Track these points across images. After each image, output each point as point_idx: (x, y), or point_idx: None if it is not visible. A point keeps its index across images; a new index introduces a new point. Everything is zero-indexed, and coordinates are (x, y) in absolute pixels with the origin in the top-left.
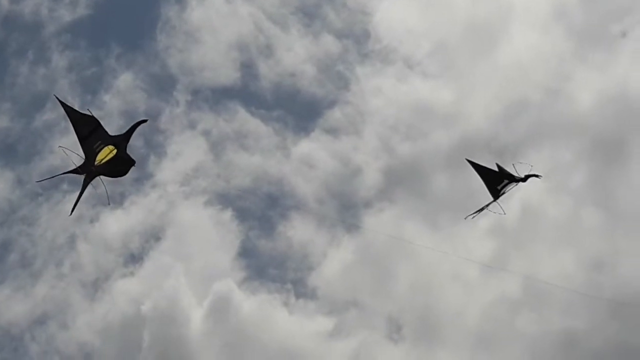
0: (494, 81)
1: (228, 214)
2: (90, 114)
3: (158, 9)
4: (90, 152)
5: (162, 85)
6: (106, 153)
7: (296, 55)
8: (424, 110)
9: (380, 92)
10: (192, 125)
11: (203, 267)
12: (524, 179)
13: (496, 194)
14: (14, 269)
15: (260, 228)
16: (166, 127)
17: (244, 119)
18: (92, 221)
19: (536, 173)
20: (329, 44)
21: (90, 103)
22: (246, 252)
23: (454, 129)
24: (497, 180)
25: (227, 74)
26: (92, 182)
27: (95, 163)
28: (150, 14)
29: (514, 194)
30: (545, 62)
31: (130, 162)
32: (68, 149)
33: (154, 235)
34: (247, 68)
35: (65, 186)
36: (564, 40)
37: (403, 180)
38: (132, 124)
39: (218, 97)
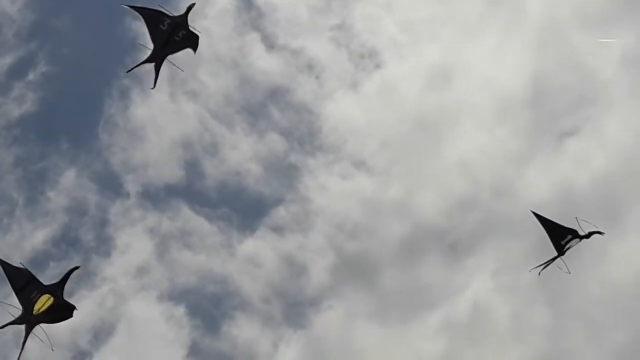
0: (441, 179)
1: (181, 311)
2: (23, 267)
3: (101, 106)
4: (27, 303)
5: (105, 182)
6: (43, 302)
7: (241, 153)
8: (370, 207)
9: (326, 190)
10: (136, 223)
11: None
12: (588, 236)
13: (560, 249)
14: None
15: (205, 327)
16: (114, 220)
17: (188, 217)
18: None
19: (599, 230)
20: (274, 142)
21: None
22: (195, 351)
23: (401, 227)
24: (561, 235)
25: (171, 172)
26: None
27: (34, 312)
28: (93, 111)
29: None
30: (491, 161)
31: (71, 307)
32: (4, 302)
33: (104, 331)
34: (192, 166)
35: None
36: (510, 140)
37: (351, 277)
38: (65, 272)
39: (162, 195)
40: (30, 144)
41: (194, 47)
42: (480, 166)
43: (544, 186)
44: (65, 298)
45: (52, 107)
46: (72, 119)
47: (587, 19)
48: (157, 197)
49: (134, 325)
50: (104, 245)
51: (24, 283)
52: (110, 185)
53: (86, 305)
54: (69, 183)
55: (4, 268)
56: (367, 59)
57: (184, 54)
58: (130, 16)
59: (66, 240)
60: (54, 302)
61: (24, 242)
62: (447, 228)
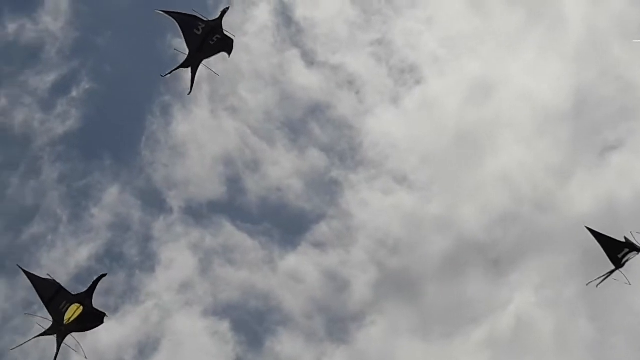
0: (482, 193)
1: (225, 326)
2: (50, 278)
3: (143, 123)
4: (57, 313)
5: (148, 198)
6: (73, 311)
7: (282, 169)
8: (411, 222)
9: (368, 205)
10: (179, 239)
11: None
12: None
13: (618, 262)
14: None
15: (248, 343)
16: (158, 236)
17: (231, 233)
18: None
19: None
20: (315, 158)
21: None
22: None
23: (443, 241)
24: (617, 249)
25: (213, 188)
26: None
27: (64, 322)
28: (135, 128)
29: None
30: (532, 175)
31: (101, 315)
32: (34, 315)
33: (149, 346)
34: (233, 182)
35: None
36: (551, 154)
37: (393, 293)
38: (93, 280)
39: (204, 211)
40: (74, 160)
41: (229, 51)
42: (522, 180)
43: (587, 200)
44: (110, 313)
45: (95, 124)
46: (114, 135)
47: (628, 30)
48: (200, 213)
49: (178, 341)
50: (148, 261)
51: (53, 294)
52: (153, 201)
53: (131, 321)
54: (112, 199)
55: (31, 280)
56: (407, 74)
57: (224, 70)
58: (172, 33)
59: (110, 256)
60: (83, 310)
61: (68, 258)
62: (489, 242)
